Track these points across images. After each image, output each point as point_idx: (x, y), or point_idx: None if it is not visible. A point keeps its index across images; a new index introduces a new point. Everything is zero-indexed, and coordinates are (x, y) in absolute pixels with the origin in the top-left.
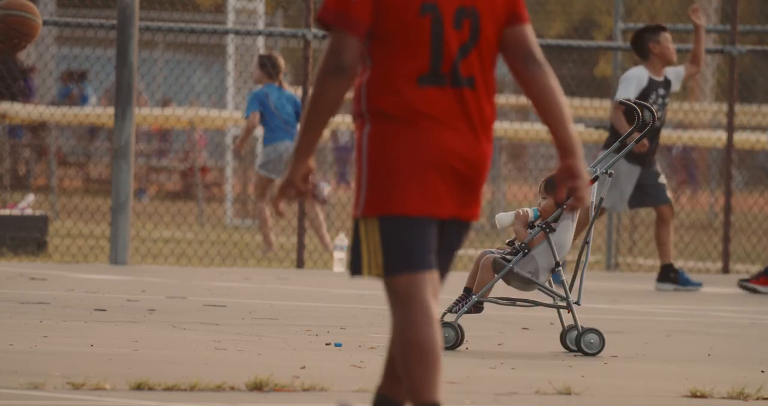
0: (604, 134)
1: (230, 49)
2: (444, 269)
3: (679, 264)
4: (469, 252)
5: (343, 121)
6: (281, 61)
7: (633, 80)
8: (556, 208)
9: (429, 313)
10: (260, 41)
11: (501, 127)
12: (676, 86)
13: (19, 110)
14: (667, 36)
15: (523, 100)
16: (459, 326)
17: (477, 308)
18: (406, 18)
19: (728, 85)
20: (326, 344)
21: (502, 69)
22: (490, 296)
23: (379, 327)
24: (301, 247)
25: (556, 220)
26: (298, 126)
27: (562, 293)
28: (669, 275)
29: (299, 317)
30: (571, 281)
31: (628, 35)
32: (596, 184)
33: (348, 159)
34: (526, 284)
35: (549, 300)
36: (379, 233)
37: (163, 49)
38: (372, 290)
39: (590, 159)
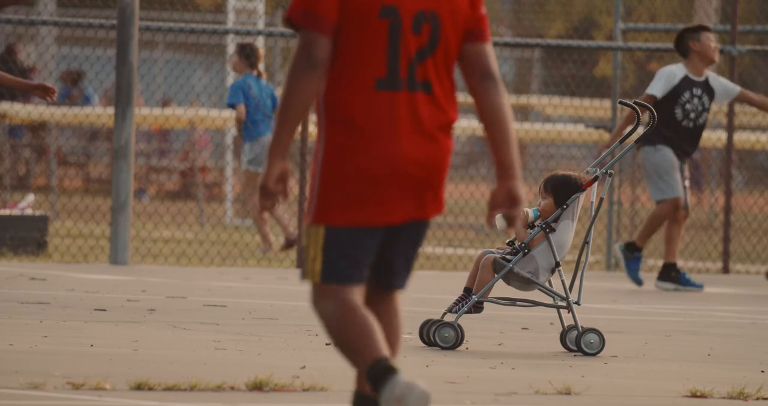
0: (604, 134)
1: (230, 49)
2: (408, 264)
3: (679, 264)
4: (469, 252)
5: None
6: (261, 52)
7: (663, 77)
8: (556, 207)
9: (352, 305)
10: (260, 41)
11: None
12: (719, 99)
13: (19, 110)
14: (708, 35)
15: (523, 100)
16: (459, 326)
17: (477, 308)
18: (365, 20)
19: None
20: (326, 344)
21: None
22: (490, 296)
23: None
24: (301, 247)
25: (556, 220)
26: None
27: (561, 292)
28: (670, 274)
29: (299, 317)
30: (571, 281)
31: (628, 35)
32: (596, 184)
33: None
34: (526, 284)
35: (549, 300)
36: (323, 241)
37: (163, 49)
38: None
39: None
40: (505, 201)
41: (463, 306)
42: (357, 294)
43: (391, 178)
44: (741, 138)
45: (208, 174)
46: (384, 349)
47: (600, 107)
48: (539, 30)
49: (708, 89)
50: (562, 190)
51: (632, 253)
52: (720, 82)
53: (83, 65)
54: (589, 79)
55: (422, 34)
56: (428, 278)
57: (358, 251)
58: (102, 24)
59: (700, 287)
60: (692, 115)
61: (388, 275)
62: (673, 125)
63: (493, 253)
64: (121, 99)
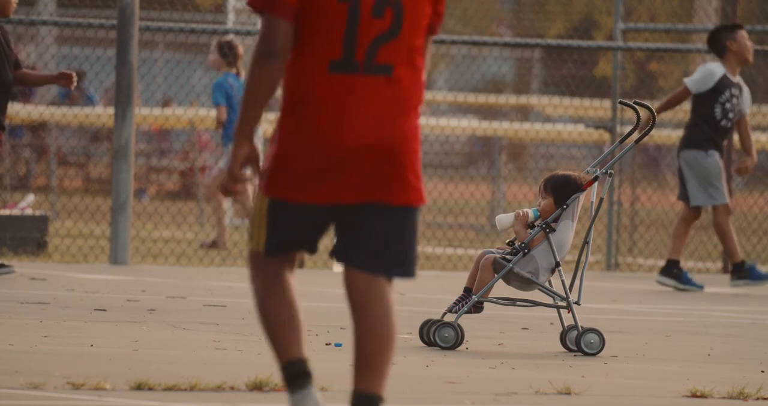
0: (604, 134)
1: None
2: (384, 248)
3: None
4: (469, 252)
5: None
6: (241, 49)
7: (705, 72)
8: (556, 207)
9: (281, 285)
10: None
11: (501, 127)
12: (743, 107)
13: (19, 110)
14: (743, 34)
15: (523, 100)
16: (459, 326)
17: (477, 308)
18: (324, 4)
19: None
20: (326, 344)
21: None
22: (490, 296)
23: None
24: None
25: (556, 220)
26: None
27: (561, 292)
28: (672, 271)
29: None
30: (571, 281)
31: (628, 35)
32: (596, 184)
33: None
34: (526, 284)
35: (549, 300)
36: (266, 212)
37: (163, 49)
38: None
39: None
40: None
41: (463, 306)
42: (287, 270)
43: (337, 159)
44: None
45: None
46: (301, 348)
47: (600, 107)
48: (539, 30)
49: (740, 89)
50: (562, 190)
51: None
52: (747, 91)
53: (83, 65)
54: (589, 79)
55: (384, 18)
56: (428, 278)
57: (297, 226)
58: (102, 24)
59: (700, 287)
60: (730, 115)
61: (359, 256)
62: (713, 124)
63: (493, 253)
64: (121, 99)
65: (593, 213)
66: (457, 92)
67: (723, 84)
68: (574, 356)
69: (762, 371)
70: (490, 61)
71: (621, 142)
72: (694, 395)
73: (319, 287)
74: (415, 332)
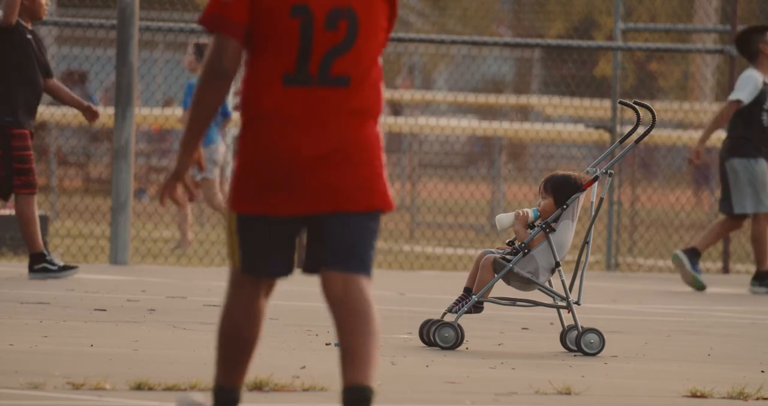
0: (604, 134)
1: None
2: (352, 248)
3: None
4: (469, 252)
5: None
6: None
7: (751, 81)
8: (556, 207)
9: (256, 307)
10: None
11: (501, 127)
12: None
13: None
14: None
15: (523, 100)
16: (459, 326)
17: (477, 308)
18: (276, 21)
19: (728, 85)
20: (326, 344)
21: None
22: (490, 296)
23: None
24: (300, 247)
25: (556, 220)
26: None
27: (561, 292)
28: (692, 256)
29: (299, 317)
30: (571, 281)
31: (628, 35)
32: (596, 184)
33: None
34: (526, 284)
35: (549, 300)
36: (235, 227)
37: (163, 49)
38: (372, 290)
39: (590, 159)
40: None
41: (463, 306)
42: (264, 294)
43: (294, 171)
44: None
45: None
46: (241, 379)
47: (600, 107)
48: (539, 30)
49: None
50: (562, 191)
51: (766, 278)
52: None
53: (83, 65)
54: (589, 79)
55: (338, 30)
56: (428, 278)
57: (264, 239)
58: (102, 24)
59: (703, 287)
60: None
61: (330, 258)
62: (759, 131)
63: (493, 253)
64: (121, 99)
65: (593, 213)
66: (457, 92)
67: (765, 90)
68: (574, 356)
69: (762, 371)
70: (490, 61)
71: (621, 142)
72: (694, 395)
73: (319, 287)
74: (415, 332)
